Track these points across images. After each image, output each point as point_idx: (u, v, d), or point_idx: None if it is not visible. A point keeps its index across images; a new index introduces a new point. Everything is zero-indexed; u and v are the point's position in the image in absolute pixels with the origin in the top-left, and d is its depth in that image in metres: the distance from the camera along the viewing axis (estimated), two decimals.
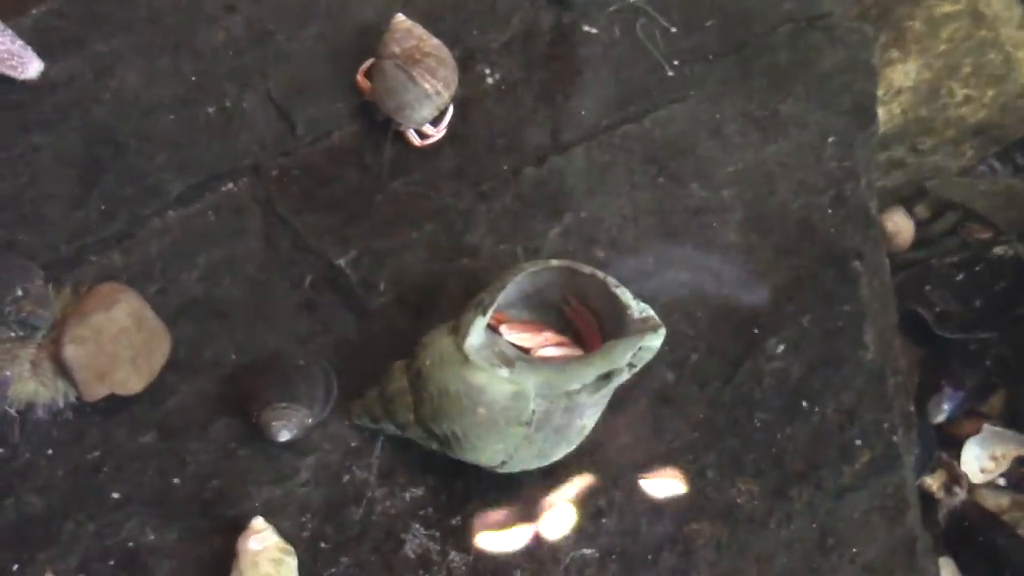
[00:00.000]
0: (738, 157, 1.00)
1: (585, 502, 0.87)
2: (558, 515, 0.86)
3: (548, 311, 0.86)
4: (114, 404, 0.83)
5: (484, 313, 0.77)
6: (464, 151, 0.97)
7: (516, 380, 0.75)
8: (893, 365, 0.97)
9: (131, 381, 0.82)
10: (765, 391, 0.92)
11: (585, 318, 0.84)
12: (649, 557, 0.86)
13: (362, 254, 0.93)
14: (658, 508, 0.87)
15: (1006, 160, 1.37)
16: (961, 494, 1.20)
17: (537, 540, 0.85)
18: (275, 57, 0.99)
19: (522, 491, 0.86)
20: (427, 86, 0.92)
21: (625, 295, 0.79)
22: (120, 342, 0.81)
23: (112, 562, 0.81)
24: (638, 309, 0.78)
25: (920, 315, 1.21)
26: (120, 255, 0.90)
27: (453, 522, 0.85)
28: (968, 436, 1.22)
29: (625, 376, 0.77)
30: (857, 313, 0.96)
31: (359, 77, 0.98)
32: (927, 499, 1.20)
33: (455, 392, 0.76)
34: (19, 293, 0.80)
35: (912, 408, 1.00)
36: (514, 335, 0.82)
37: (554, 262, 0.80)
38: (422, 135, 0.96)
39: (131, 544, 0.82)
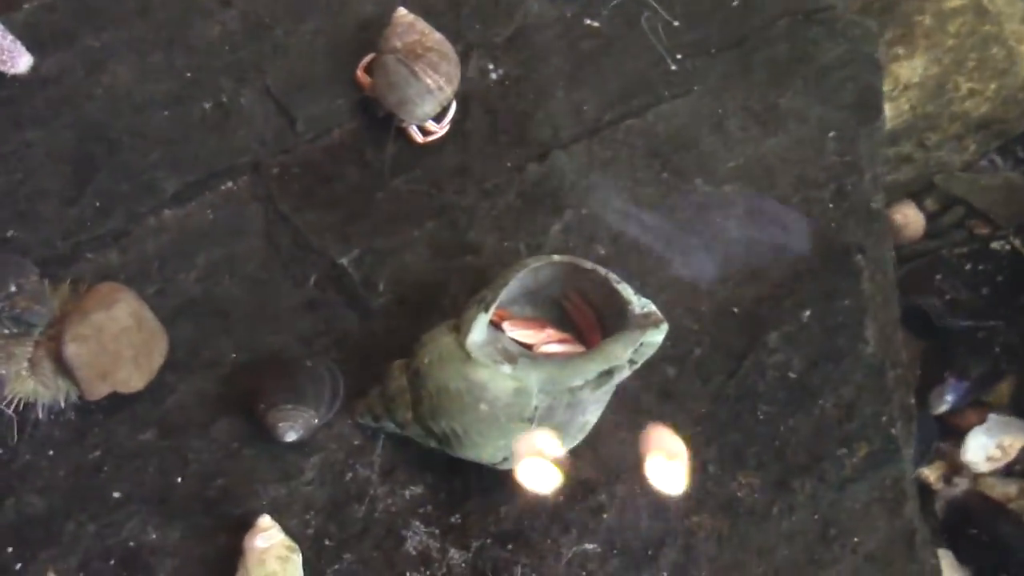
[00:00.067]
0: (739, 151, 1.00)
1: (586, 497, 0.87)
2: (558, 510, 0.86)
3: (550, 307, 0.86)
4: (115, 403, 0.83)
5: (486, 310, 0.77)
6: (467, 147, 0.97)
7: (519, 376, 0.75)
8: (894, 359, 0.97)
9: (133, 379, 0.82)
10: (768, 384, 0.92)
11: (587, 314, 0.84)
12: (650, 552, 0.86)
13: (364, 252, 0.92)
14: (659, 503, 0.87)
15: (1007, 155, 1.38)
16: (963, 484, 1.21)
17: (538, 535, 0.85)
18: (273, 52, 0.98)
19: (521, 487, 0.86)
20: (429, 81, 0.91)
21: (626, 291, 0.79)
22: (122, 341, 0.81)
23: (113, 561, 0.81)
24: (639, 305, 0.78)
25: (923, 309, 1.22)
26: (117, 253, 0.90)
27: (453, 519, 0.85)
28: (970, 426, 1.23)
29: (627, 372, 0.77)
30: (858, 308, 0.96)
31: (360, 72, 0.97)
32: (925, 490, 1.21)
33: (455, 389, 0.76)
34: (12, 289, 0.80)
35: (912, 400, 1.01)
36: (516, 332, 0.82)
37: (556, 258, 0.80)
38: (424, 131, 0.95)
39: (133, 543, 0.81)
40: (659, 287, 0.93)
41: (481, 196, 0.96)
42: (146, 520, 0.82)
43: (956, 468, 1.23)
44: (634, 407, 0.89)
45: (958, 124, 1.29)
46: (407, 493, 0.85)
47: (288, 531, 0.82)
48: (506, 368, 0.76)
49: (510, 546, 0.85)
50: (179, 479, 0.84)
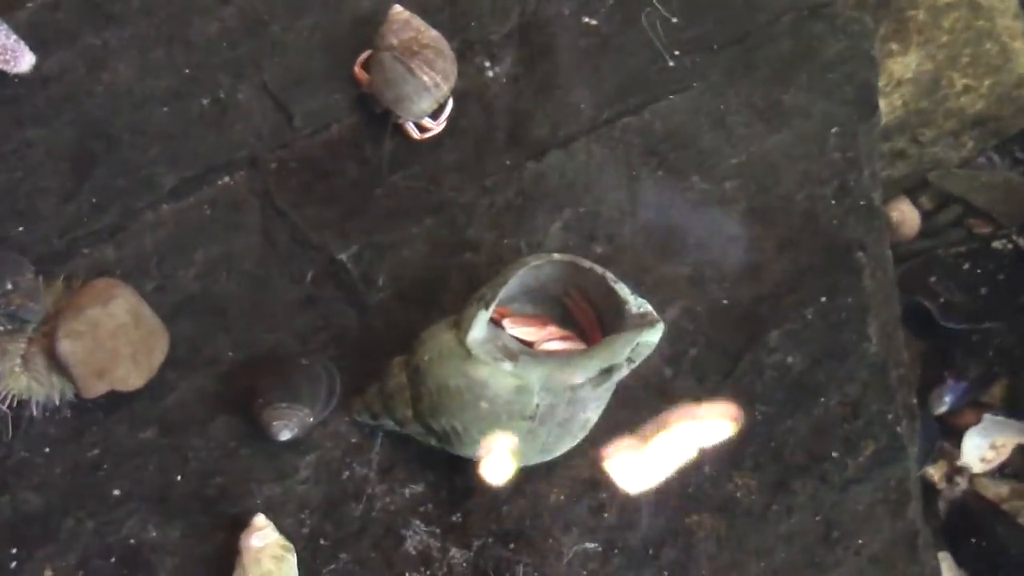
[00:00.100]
0: (742, 148, 1.00)
1: (587, 496, 0.86)
2: (559, 509, 0.86)
3: (550, 305, 0.86)
4: (113, 400, 0.83)
5: (487, 307, 0.77)
6: (464, 145, 0.97)
7: (519, 374, 0.75)
8: (896, 357, 0.97)
9: (131, 377, 0.82)
10: (766, 384, 0.92)
11: (587, 312, 0.84)
12: (650, 551, 0.86)
13: (362, 248, 0.92)
14: (658, 502, 0.87)
15: (1004, 153, 1.37)
16: (962, 484, 1.21)
17: (539, 534, 0.85)
18: (271, 48, 0.98)
19: (523, 486, 0.86)
20: (426, 78, 0.91)
21: (623, 290, 0.79)
22: (119, 338, 0.80)
23: (113, 559, 0.81)
24: (636, 304, 0.78)
25: (923, 307, 1.22)
26: (113, 249, 0.90)
27: (453, 518, 0.85)
28: (969, 426, 1.23)
29: (625, 371, 0.77)
30: (860, 305, 0.96)
31: (357, 69, 0.97)
32: (929, 490, 1.21)
33: (456, 387, 0.76)
34: (8, 287, 0.79)
35: (914, 400, 1.01)
36: (517, 329, 0.82)
37: (556, 256, 0.80)
38: (421, 128, 0.95)
39: (132, 541, 0.81)
40: (656, 286, 0.93)
41: (480, 193, 0.95)
42: (146, 518, 0.82)
43: (955, 469, 1.23)
44: (634, 406, 0.89)
45: (953, 120, 1.29)
46: (406, 492, 0.85)
47: (283, 530, 0.82)
48: (507, 365, 0.75)
49: (512, 545, 0.85)
50: (178, 477, 0.84)
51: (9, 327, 0.80)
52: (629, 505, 0.87)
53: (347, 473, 0.85)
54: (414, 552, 0.83)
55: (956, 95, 1.27)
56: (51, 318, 0.81)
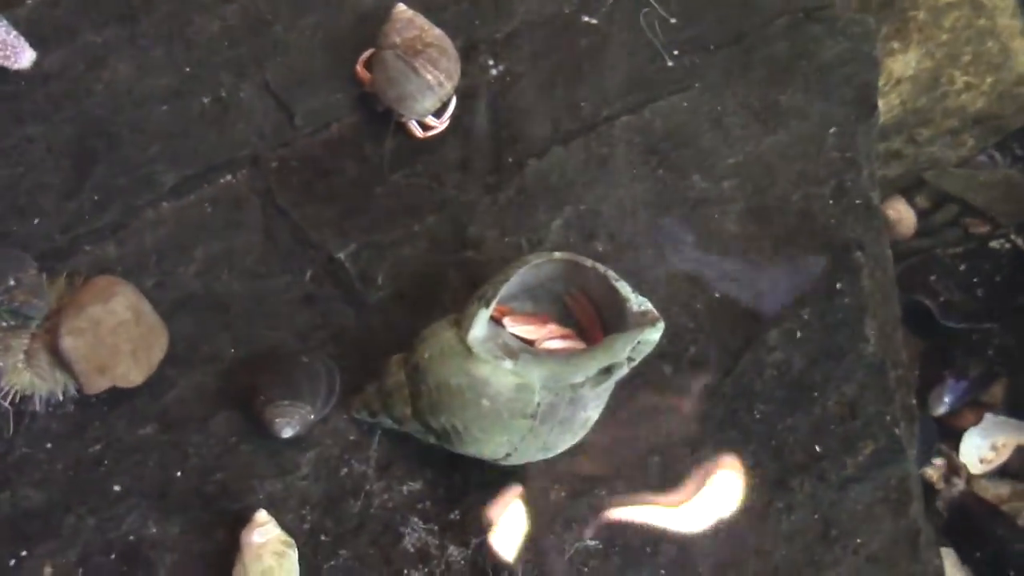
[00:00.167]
0: (739, 148, 1.00)
1: (587, 494, 0.87)
2: (560, 507, 0.86)
3: (551, 303, 0.85)
4: (114, 397, 0.83)
5: (488, 305, 0.77)
6: (467, 143, 0.97)
7: (520, 372, 0.75)
8: (894, 358, 0.97)
9: (132, 374, 0.82)
10: (766, 383, 0.92)
11: (588, 311, 0.84)
12: (649, 549, 0.86)
13: (362, 247, 0.92)
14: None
15: (1005, 150, 1.37)
16: (960, 484, 1.21)
17: (539, 532, 0.85)
18: (273, 47, 0.98)
19: (522, 484, 0.86)
20: (429, 77, 0.91)
21: (624, 288, 0.79)
22: (120, 335, 0.80)
23: (114, 555, 0.81)
24: (637, 303, 0.78)
25: (923, 305, 1.22)
26: (114, 246, 0.90)
27: (452, 516, 0.85)
28: (968, 427, 1.22)
29: (625, 370, 0.77)
30: (858, 305, 0.96)
31: (359, 67, 0.97)
32: (928, 489, 1.21)
33: (456, 385, 0.76)
34: (11, 283, 0.80)
35: (913, 401, 1.01)
36: (518, 327, 0.82)
37: (557, 255, 0.80)
38: (424, 126, 0.95)
39: (132, 537, 0.81)
40: (656, 284, 0.93)
41: (482, 191, 0.95)
42: (146, 514, 0.82)
43: (954, 468, 1.23)
44: (633, 405, 0.89)
45: (954, 119, 1.29)
46: (405, 489, 0.85)
47: (284, 526, 0.82)
48: (508, 364, 0.75)
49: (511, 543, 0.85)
50: (178, 473, 0.83)
51: (12, 323, 0.80)
52: (629, 503, 0.87)
53: (346, 470, 0.85)
54: (412, 549, 0.83)
55: (957, 93, 1.28)
56: (54, 314, 0.81)
